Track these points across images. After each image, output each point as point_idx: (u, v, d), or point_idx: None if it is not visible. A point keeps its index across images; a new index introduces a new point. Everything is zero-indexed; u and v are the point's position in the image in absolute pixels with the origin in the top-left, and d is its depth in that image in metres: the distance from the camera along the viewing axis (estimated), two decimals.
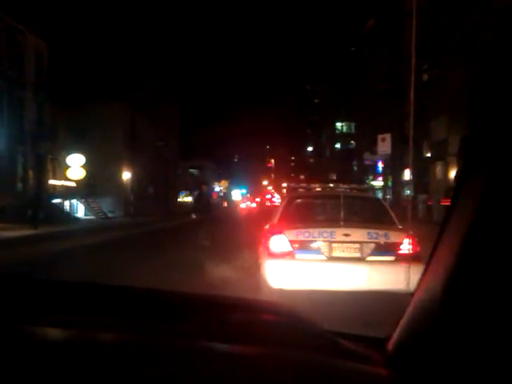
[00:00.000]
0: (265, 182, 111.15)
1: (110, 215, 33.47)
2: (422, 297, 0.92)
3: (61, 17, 30.21)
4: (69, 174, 29.07)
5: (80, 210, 33.18)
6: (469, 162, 0.82)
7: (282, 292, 5.44)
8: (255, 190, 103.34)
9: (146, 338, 0.98)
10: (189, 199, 74.35)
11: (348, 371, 0.89)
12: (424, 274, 0.93)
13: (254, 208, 63.12)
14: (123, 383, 0.81)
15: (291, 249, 5.52)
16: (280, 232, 5.66)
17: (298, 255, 5.52)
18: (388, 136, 19.79)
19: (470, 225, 0.77)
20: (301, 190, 7.49)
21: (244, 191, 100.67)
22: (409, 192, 25.93)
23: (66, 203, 30.15)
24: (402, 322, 0.96)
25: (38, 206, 23.32)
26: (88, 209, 33.27)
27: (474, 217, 0.76)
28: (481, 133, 0.79)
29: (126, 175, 38.11)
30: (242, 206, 70.16)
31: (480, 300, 0.76)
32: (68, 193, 30.40)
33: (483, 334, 0.76)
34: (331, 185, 7.56)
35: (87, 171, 29.94)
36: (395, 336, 0.97)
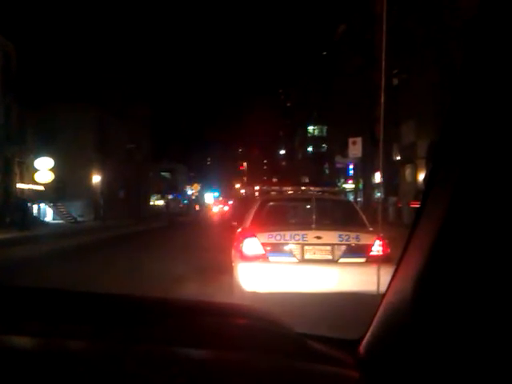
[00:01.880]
0: (237, 185, 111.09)
1: (79, 219, 32.84)
2: (392, 299, 0.93)
3: (29, 18, 29.55)
4: (37, 177, 28.46)
5: (48, 214, 32.45)
6: (438, 165, 0.83)
7: (254, 295, 5.44)
8: (228, 193, 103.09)
9: (117, 345, 0.96)
10: (160, 203, 73.67)
11: (319, 374, 0.89)
12: (394, 276, 0.94)
13: (226, 211, 62.93)
14: None
15: (264, 251, 5.53)
16: (252, 235, 5.66)
17: (271, 258, 5.53)
18: (359, 139, 20.06)
19: (439, 227, 0.78)
20: (273, 193, 7.51)
21: (216, 194, 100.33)
22: (379, 194, 26.33)
23: (34, 207, 29.45)
24: (373, 325, 0.96)
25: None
26: (56, 213, 32.56)
27: (443, 219, 0.77)
28: (450, 136, 0.80)
29: (96, 178, 37.49)
30: (215, 209, 69.85)
31: (449, 301, 0.77)
32: (36, 197, 29.71)
33: (453, 335, 0.76)
34: (303, 188, 7.60)
35: (56, 174, 29.35)
36: (366, 338, 0.98)
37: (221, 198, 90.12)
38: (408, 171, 26.99)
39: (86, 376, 0.82)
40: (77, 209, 34.37)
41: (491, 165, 0.71)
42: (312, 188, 7.28)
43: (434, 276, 0.79)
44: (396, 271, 0.93)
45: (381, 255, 5.43)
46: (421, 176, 24.07)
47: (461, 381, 0.75)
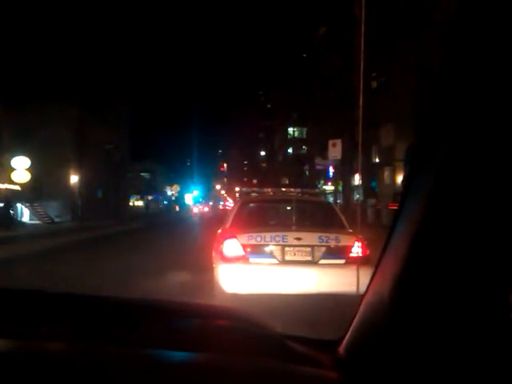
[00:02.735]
0: (218, 187, 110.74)
1: (56, 220, 32.31)
2: (371, 300, 0.93)
3: (4, 14, 28.88)
4: (13, 177, 27.93)
5: (25, 214, 31.87)
6: (415, 167, 0.84)
7: (235, 296, 5.43)
8: (208, 195, 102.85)
9: (97, 347, 0.95)
10: (140, 203, 72.95)
11: (299, 375, 0.89)
12: (373, 278, 0.95)
13: (207, 212, 62.77)
14: None
15: (244, 253, 5.53)
16: (233, 236, 5.66)
17: (251, 259, 5.53)
18: (338, 141, 20.18)
19: (417, 230, 0.79)
20: (253, 194, 7.50)
21: (197, 193, 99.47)
22: (358, 196, 26.55)
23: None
24: (353, 326, 0.97)
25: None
26: (33, 213, 31.99)
27: (420, 221, 0.78)
28: (427, 140, 0.81)
29: (74, 178, 36.96)
30: (195, 210, 69.53)
31: (427, 302, 0.78)
32: (12, 196, 29.13)
33: (431, 335, 0.78)
34: (283, 189, 7.62)
35: (33, 174, 28.84)
36: (346, 339, 0.99)
37: (201, 200, 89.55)
38: (387, 173, 27.28)
39: (65, 378, 0.81)
40: (54, 209, 33.81)
41: (468, 169, 0.73)
42: (292, 189, 7.29)
43: (411, 277, 0.80)
44: (375, 272, 0.94)
45: (360, 257, 5.48)
46: (399, 178, 24.36)
47: (439, 380, 0.76)
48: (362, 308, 0.96)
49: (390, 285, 0.83)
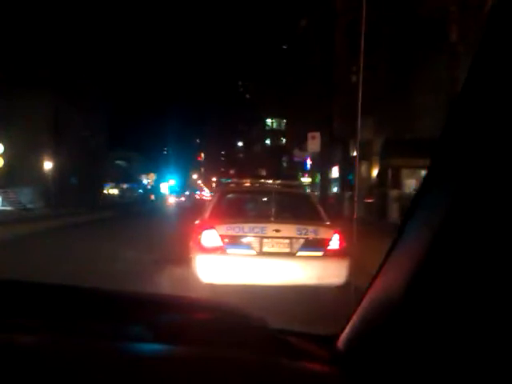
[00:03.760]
0: (194, 176, 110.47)
1: (29, 206, 31.71)
2: (376, 297, 0.91)
3: None
4: None
5: None
6: (437, 169, 0.79)
7: (212, 287, 5.42)
8: (184, 184, 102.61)
9: (71, 340, 0.91)
10: (115, 191, 72.27)
11: (293, 370, 0.87)
12: (378, 274, 0.92)
13: (183, 202, 62.61)
14: None
15: (222, 244, 5.50)
16: (211, 227, 5.63)
17: (229, 250, 5.52)
18: (318, 134, 20.29)
19: (437, 233, 0.74)
20: (232, 185, 7.47)
21: (173, 182, 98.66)
22: (336, 189, 26.79)
23: None
24: (352, 320, 0.95)
25: None
26: (5, 199, 31.34)
27: (440, 226, 0.74)
28: (452, 140, 0.76)
29: (48, 165, 36.27)
30: (171, 199, 69.24)
31: (440, 306, 0.74)
32: None
33: (439, 338, 0.75)
34: (262, 180, 7.60)
35: (6, 160, 28.23)
36: (344, 334, 0.96)
37: (177, 189, 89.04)
38: (364, 167, 27.58)
39: (34, 372, 0.77)
40: (27, 196, 33.18)
41: (497, 174, 0.67)
42: (271, 181, 7.27)
43: (426, 280, 0.76)
44: (380, 270, 0.90)
45: (338, 249, 5.52)
46: (375, 172, 24.66)
47: (442, 378, 0.74)
48: (364, 303, 0.92)
49: (401, 284, 0.79)
